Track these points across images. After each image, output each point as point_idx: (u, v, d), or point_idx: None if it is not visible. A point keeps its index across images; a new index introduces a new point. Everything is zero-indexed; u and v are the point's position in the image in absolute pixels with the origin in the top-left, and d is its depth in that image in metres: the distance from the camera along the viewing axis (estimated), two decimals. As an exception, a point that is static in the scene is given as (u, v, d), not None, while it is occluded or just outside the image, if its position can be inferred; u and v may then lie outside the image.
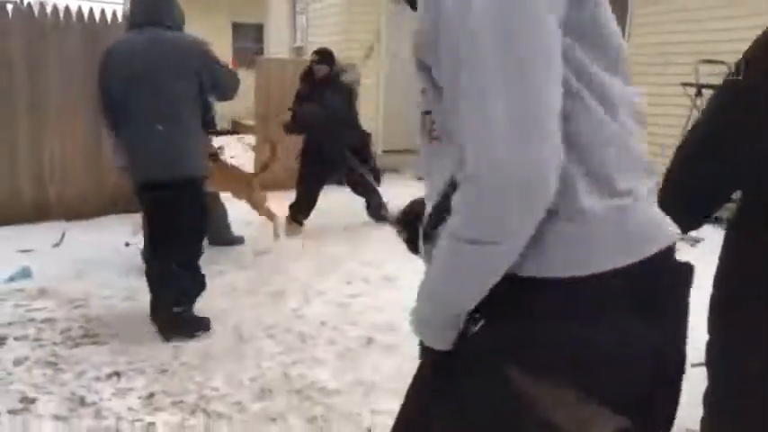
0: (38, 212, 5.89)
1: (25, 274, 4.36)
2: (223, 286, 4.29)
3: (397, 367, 3.14)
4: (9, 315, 3.70)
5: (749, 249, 1.56)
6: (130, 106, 3.24)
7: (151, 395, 2.85)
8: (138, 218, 5.78)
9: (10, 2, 6.02)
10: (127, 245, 5.28)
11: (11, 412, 2.66)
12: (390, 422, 1.25)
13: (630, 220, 0.98)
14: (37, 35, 5.68)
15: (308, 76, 6.12)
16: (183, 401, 2.80)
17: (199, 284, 3.56)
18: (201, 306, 3.62)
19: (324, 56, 6.11)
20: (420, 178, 8.42)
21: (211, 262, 4.77)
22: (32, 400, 2.76)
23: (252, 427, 2.62)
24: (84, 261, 4.81)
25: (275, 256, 5.08)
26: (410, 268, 4.47)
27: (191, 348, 3.32)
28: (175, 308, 3.42)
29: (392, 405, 2.75)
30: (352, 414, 2.73)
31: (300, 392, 2.91)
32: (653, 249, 0.99)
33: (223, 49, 14.33)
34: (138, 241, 5.26)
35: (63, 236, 5.41)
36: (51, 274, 4.45)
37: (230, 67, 3.60)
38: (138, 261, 4.00)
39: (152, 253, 3.50)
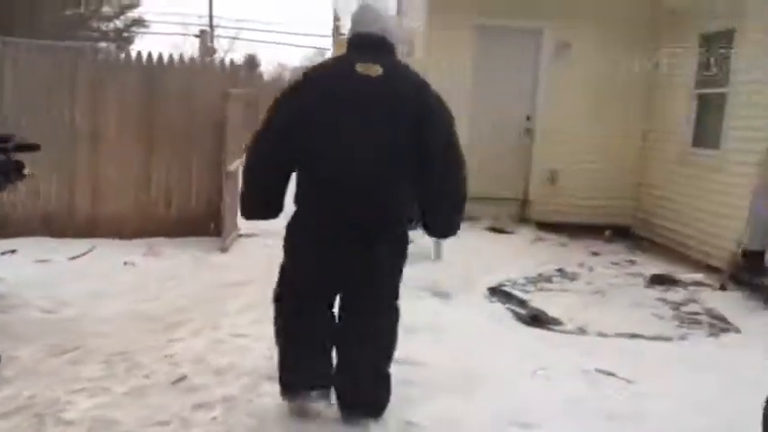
0: (90, 228, 6.64)
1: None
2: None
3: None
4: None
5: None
6: None
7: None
8: (152, 241, 6.34)
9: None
10: (125, 263, 5.75)
11: None
12: None
13: None
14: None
15: None
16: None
17: None
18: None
19: None
20: (494, 228, 7.97)
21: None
22: None
23: None
24: (72, 272, 5.33)
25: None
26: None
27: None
28: None
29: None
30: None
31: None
32: None
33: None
34: (138, 262, 5.77)
35: (86, 252, 6.03)
36: (27, 280, 4.99)
37: None
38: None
39: None
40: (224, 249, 6.40)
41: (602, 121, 8.60)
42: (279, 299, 3.04)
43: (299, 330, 2.97)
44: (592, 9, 8.25)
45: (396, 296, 3.03)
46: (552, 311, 4.99)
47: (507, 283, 5.75)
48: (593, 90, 8.51)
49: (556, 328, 4.66)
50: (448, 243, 7.22)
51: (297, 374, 2.99)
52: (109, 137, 6.61)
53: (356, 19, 2.98)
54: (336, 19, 15.77)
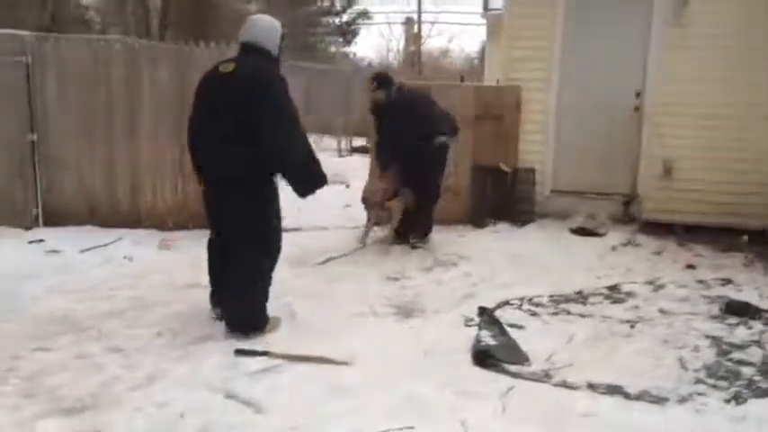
0: (133, 220, 6.70)
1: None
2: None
3: None
4: None
5: None
6: None
7: None
8: (163, 234, 6.20)
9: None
10: (124, 257, 5.65)
11: None
12: None
13: None
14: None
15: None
16: None
17: None
18: None
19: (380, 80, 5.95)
20: (582, 229, 6.62)
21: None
22: None
23: None
24: (64, 265, 5.35)
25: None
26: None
27: None
28: None
29: None
30: None
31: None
32: None
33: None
34: (140, 256, 5.65)
35: (105, 244, 6.04)
36: (12, 271, 5.07)
37: None
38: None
39: None
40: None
41: (734, 98, 6.76)
42: None
43: (208, 263, 4.17)
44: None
45: (253, 238, 3.83)
46: (538, 345, 3.87)
47: (516, 302, 4.64)
48: (724, 59, 6.71)
49: (512, 368, 3.56)
50: (495, 245, 6.25)
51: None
52: (145, 129, 6.58)
53: (241, 31, 3.92)
54: (489, -6, 14.67)
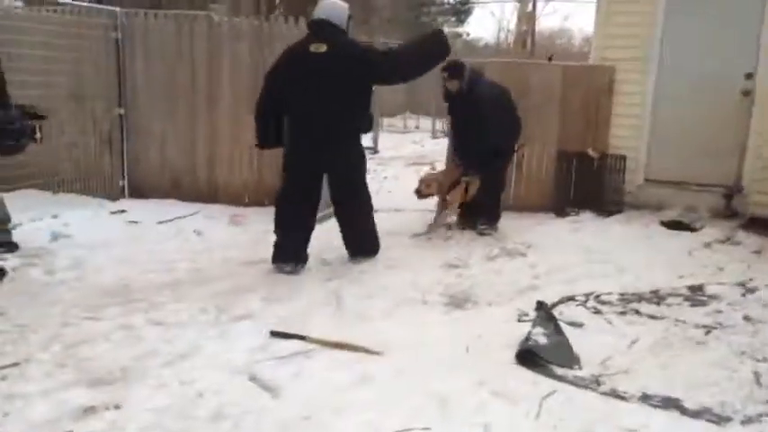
0: (211, 194, 6.85)
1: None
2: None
3: None
4: None
5: None
6: None
7: None
8: (236, 210, 6.27)
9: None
10: (193, 231, 5.76)
11: None
12: None
13: None
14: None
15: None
16: None
17: None
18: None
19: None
20: (674, 222, 6.09)
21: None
22: None
23: None
24: (139, 236, 5.54)
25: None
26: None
27: None
28: None
29: None
30: None
31: None
32: None
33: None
34: (209, 231, 5.74)
35: (181, 217, 6.20)
36: (90, 240, 5.29)
37: None
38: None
39: None
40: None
41: None
42: (276, 202, 4.69)
43: (283, 222, 4.64)
44: None
45: (362, 184, 4.76)
46: (595, 347, 3.57)
47: (580, 298, 4.32)
48: None
49: (558, 371, 3.29)
50: (572, 236, 5.87)
51: (277, 251, 4.61)
52: (224, 105, 6.66)
53: (315, 10, 4.52)
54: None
